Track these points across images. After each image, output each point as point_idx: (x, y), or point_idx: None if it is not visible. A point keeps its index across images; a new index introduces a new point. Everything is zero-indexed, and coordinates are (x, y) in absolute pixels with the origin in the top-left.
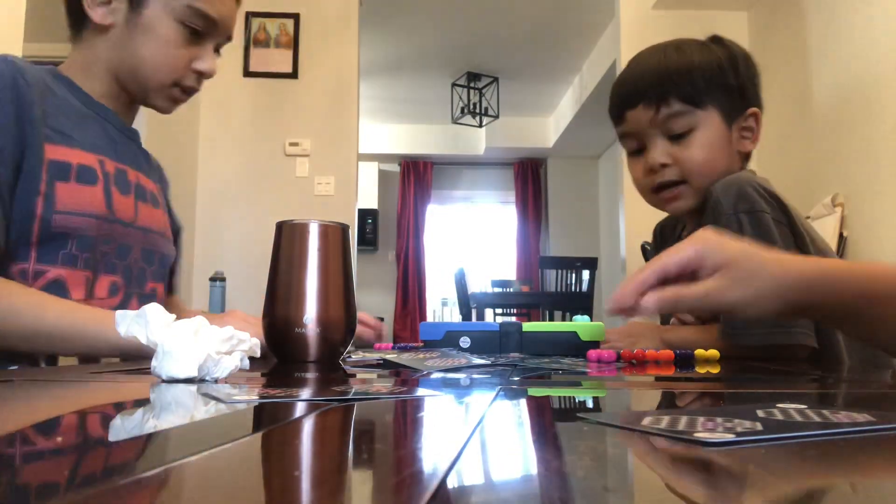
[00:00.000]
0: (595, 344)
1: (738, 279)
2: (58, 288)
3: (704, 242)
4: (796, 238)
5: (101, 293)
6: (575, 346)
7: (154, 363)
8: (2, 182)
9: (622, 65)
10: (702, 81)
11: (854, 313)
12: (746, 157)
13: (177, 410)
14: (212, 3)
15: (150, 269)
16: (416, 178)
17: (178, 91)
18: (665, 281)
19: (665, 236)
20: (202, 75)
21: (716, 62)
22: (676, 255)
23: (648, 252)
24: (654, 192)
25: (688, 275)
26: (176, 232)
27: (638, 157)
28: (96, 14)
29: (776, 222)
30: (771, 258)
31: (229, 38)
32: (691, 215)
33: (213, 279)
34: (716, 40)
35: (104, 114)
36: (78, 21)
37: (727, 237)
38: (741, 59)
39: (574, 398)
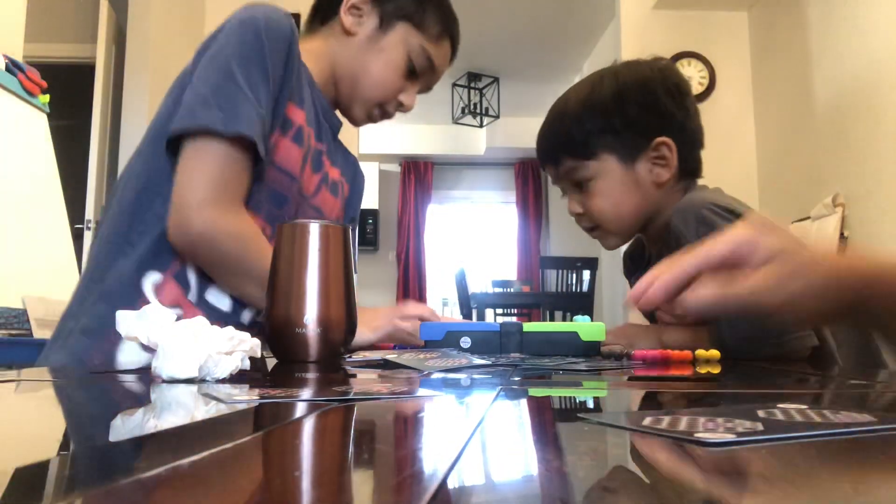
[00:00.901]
0: (596, 344)
1: (787, 275)
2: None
3: (753, 235)
4: None
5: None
6: (576, 347)
7: (155, 363)
8: (269, 122)
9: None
10: (583, 134)
11: None
12: (689, 173)
13: (177, 410)
14: (439, 52)
15: None
16: (416, 178)
17: (377, 111)
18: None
19: (635, 261)
20: (401, 107)
21: (599, 109)
22: (724, 245)
23: (626, 275)
24: (587, 231)
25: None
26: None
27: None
28: (347, 20)
29: None
30: (821, 253)
31: (429, 90)
32: (653, 243)
33: None
34: (613, 73)
35: (319, 99)
36: (326, 16)
37: (772, 223)
38: (634, 92)
39: (574, 398)
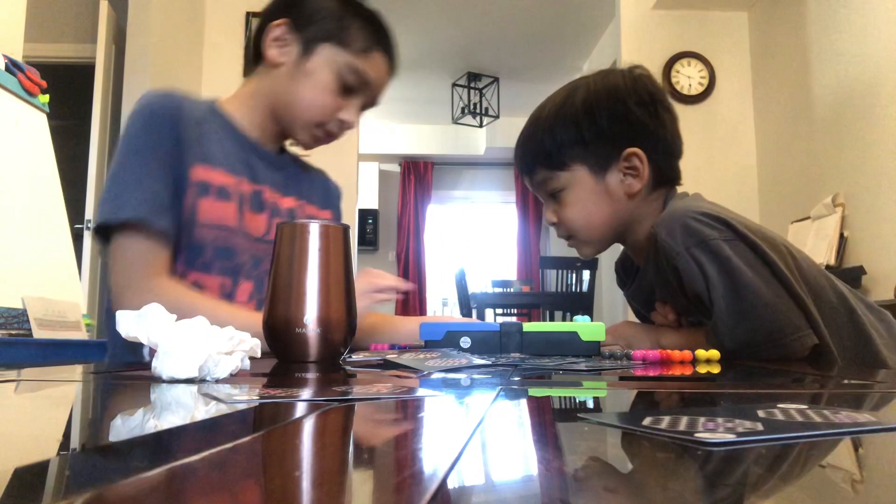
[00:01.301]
0: (596, 344)
1: None
2: (196, 290)
3: None
4: (752, 249)
5: (241, 297)
6: (576, 347)
7: (155, 363)
8: (168, 194)
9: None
10: (554, 145)
11: None
12: (660, 181)
13: (177, 410)
14: (370, 66)
15: None
16: (416, 178)
17: (320, 132)
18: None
19: (626, 272)
20: (343, 124)
21: (569, 120)
22: None
23: (619, 284)
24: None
25: None
26: None
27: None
28: (271, 53)
29: (728, 242)
30: None
31: (375, 104)
32: (638, 254)
33: None
34: (585, 86)
35: (247, 144)
36: (256, 57)
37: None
38: (604, 104)
39: (574, 398)
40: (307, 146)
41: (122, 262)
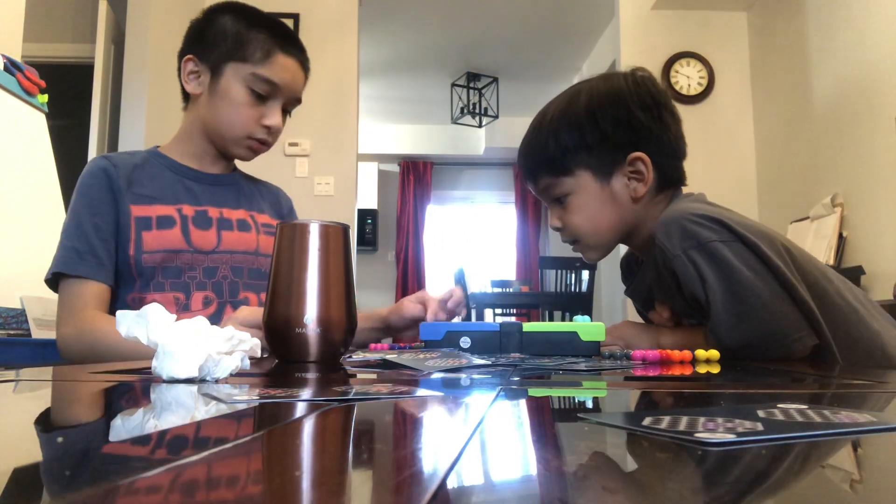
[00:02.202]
0: (596, 344)
1: None
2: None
3: None
4: (752, 250)
5: (196, 307)
6: (575, 347)
7: (155, 363)
8: (107, 239)
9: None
10: (558, 151)
11: None
12: (665, 184)
13: (177, 410)
14: (273, 71)
15: (242, 282)
16: (415, 178)
17: (253, 142)
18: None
19: (631, 268)
20: (270, 130)
21: (573, 125)
22: None
23: (624, 274)
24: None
25: None
26: None
27: None
28: (190, 86)
29: (725, 243)
30: None
31: (298, 101)
32: (641, 252)
33: None
34: (588, 90)
35: (187, 173)
36: (186, 94)
37: None
38: (608, 108)
39: (574, 398)
40: (245, 158)
41: (59, 305)
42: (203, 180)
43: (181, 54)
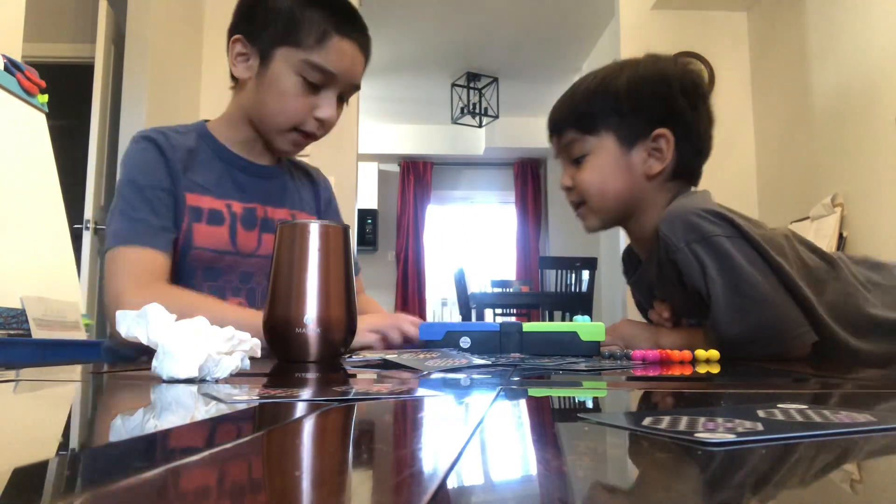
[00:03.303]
0: (596, 344)
1: None
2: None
3: None
4: (755, 247)
5: None
6: (575, 347)
7: (155, 363)
8: (159, 222)
9: None
10: (591, 108)
11: None
12: (689, 174)
13: (177, 410)
14: (329, 57)
15: None
16: (415, 178)
17: (298, 136)
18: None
19: (632, 261)
20: (323, 123)
21: (612, 89)
22: None
23: (625, 267)
24: (573, 207)
25: None
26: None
27: None
28: (237, 70)
29: (729, 238)
30: None
31: (357, 88)
32: (640, 245)
33: None
34: (634, 64)
35: (236, 163)
36: (233, 78)
37: None
38: (652, 81)
39: (574, 398)
40: (288, 152)
41: (117, 270)
42: (251, 171)
43: (230, 33)
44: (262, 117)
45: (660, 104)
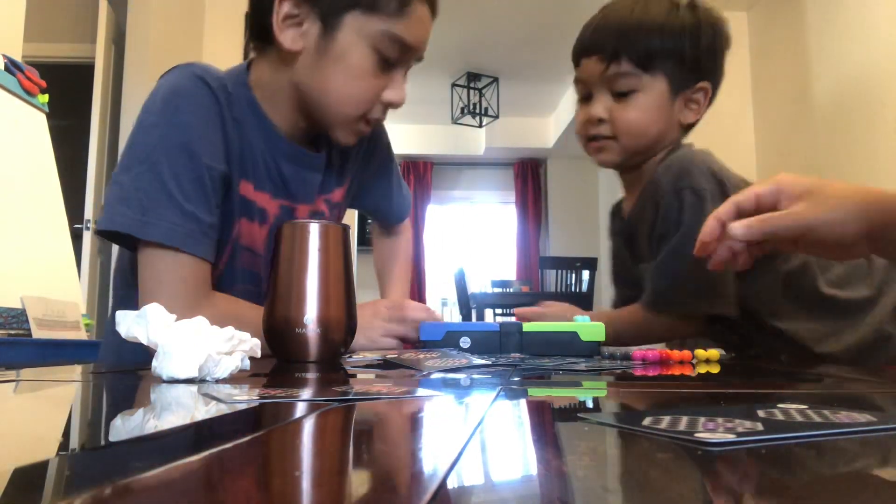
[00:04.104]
0: (596, 344)
1: (822, 202)
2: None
3: (779, 180)
4: None
5: None
6: (576, 347)
7: (155, 363)
8: (208, 217)
9: None
10: (656, 47)
11: None
12: (688, 127)
13: (177, 411)
14: (410, 28)
15: None
16: (415, 178)
17: (363, 124)
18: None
19: (615, 216)
20: (391, 106)
21: (677, 31)
22: (750, 192)
23: (610, 231)
24: (588, 140)
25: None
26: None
27: (585, 104)
28: (286, 38)
29: (713, 198)
30: (846, 185)
31: (420, 59)
32: (630, 184)
33: None
34: (691, 5)
35: (280, 147)
36: (263, 39)
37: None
38: (707, 30)
39: (574, 398)
40: (349, 143)
41: (168, 278)
42: (296, 160)
43: None
44: (324, 102)
45: (712, 58)
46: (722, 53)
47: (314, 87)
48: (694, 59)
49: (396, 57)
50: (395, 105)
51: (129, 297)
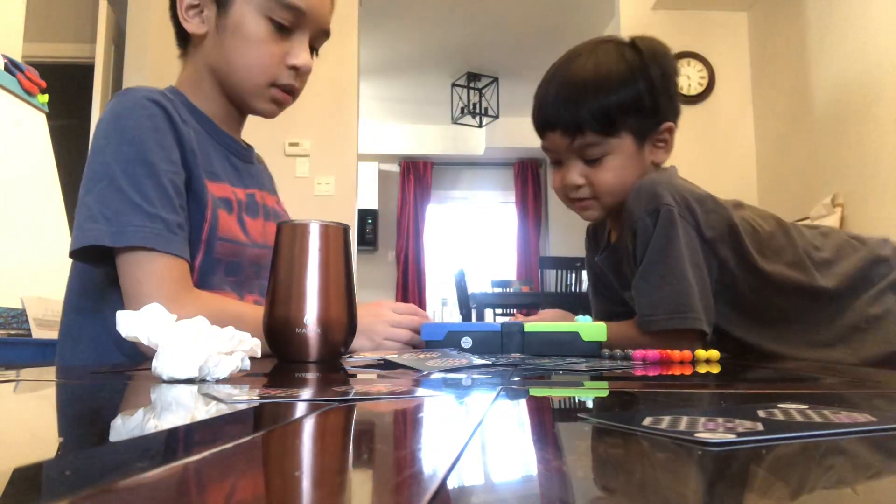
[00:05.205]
0: (597, 345)
1: None
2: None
3: None
4: (700, 237)
5: None
6: (577, 347)
7: (155, 363)
8: (184, 206)
9: None
10: (614, 106)
11: None
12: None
13: (177, 411)
14: None
15: None
16: (415, 178)
17: (276, 91)
18: None
19: (597, 237)
20: (299, 71)
21: (630, 80)
22: None
23: (587, 249)
24: (570, 200)
25: None
26: None
27: (557, 168)
28: (191, 25)
29: (682, 217)
30: None
31: (327, 34)
32: (615, 219)
33: None
34: (632, 45)
35: (227, 143)
36: (182, 37)
37: None
38: (656, 71)
39: (575, 398)
40: (270, 113)
41: (146, 279)
42: (241, 155)
43: None
44: (231, 75)
45: (667, 95)
46: (675, 85)
47: (221, 62)
48: (652, 106)
49: (292, 21)
50: (301, 69)
51: (74, 322)
